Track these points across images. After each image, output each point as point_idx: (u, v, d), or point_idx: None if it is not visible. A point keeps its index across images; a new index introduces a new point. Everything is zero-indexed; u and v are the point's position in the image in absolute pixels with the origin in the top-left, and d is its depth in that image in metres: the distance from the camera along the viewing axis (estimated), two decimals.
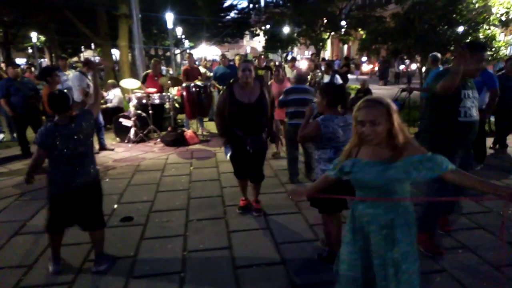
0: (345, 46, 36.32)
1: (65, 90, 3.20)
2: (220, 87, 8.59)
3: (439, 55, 6.70)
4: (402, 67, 21.00)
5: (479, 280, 2.80)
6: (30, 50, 35.65)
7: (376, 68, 24.21)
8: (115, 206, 4.29)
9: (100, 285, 2.85)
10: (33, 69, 12.60)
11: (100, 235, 3.07)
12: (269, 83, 6.36)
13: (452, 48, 8.81)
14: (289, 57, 14.57)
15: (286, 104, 4.90)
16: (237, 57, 9.94)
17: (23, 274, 3.02)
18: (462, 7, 9.25)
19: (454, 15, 9.17)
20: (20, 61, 26.11)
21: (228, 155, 3.89)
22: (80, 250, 3.32)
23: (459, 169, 1.82)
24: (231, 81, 3.82)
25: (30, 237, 3.63)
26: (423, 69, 10.16)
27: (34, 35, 24.57)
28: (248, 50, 46.93)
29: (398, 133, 1.81)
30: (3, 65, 13.06)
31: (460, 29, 9.22)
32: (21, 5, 15.25)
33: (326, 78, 7.79)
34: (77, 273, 3.00)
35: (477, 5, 9.45)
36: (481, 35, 8.92)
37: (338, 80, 7.86)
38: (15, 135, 7.56)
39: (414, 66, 14.63)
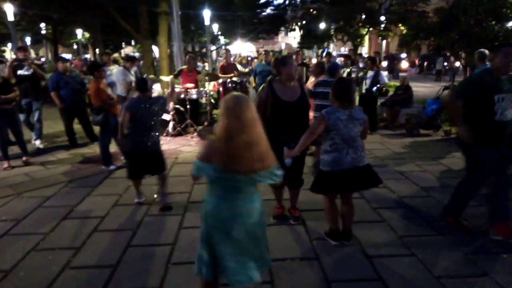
0: (383, 42, 35.27)
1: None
2: (254, 80, 8.58)
3: (486, 51, 6.37)
4: (445, 64, 20.12)
5: None
6: (75, 46, 37.54)
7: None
8: (155, 196, 4.47)
9: (141, 270, 3.00)
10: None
11: (163, 176, 4.21)
12: (310, 80, 6.24)
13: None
14: (324, 53, 14.38)
15: (314, 95, 4.78)
16: (271, 54, 9.95)
17: (72, 255, 3.23)
18: None
19: (503, 9, 8.69)
20: (67, 56, 27.57)
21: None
22: (116, 245, 3.51)
23: None
24: (269, 78, 3.56)
25: (78, 221, 3.87)
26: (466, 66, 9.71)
27: (79, 32, 25.85)
28: (283, 46, 46.74)
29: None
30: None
31: (510, 24, 8.73)
32: (69, 3, 16.07)
33: (370, 74, 7.57)
34: (120, 258, 3.18)
35: None
36: None
37: (383, 77, 7.62)
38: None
39: (457, 63, 13.98)
